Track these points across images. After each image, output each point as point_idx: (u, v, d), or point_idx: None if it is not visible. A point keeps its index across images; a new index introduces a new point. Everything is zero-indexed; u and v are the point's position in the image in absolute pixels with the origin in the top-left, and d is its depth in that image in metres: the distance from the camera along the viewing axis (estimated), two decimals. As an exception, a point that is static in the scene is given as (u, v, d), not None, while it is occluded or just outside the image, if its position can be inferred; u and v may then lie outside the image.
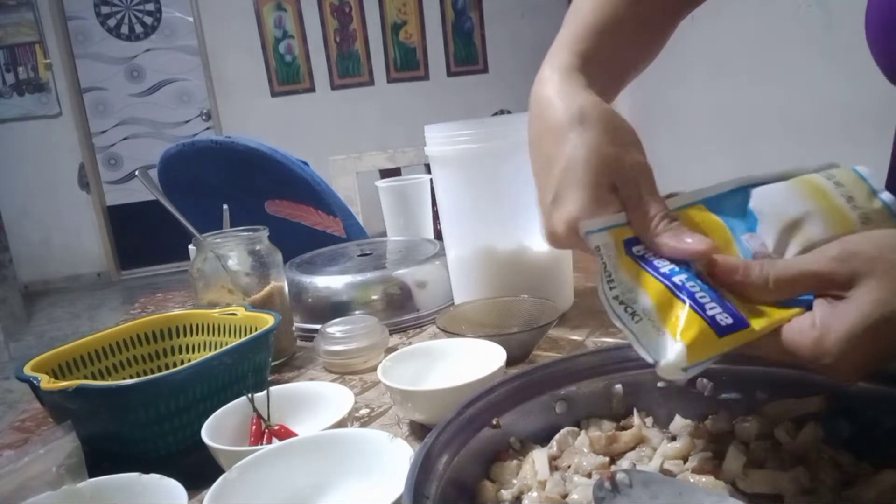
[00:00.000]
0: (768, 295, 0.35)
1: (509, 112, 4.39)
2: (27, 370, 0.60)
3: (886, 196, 0.39)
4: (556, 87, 0.44)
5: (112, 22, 5.07)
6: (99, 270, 5.34)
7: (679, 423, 0.45)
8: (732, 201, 0.40)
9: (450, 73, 5.46)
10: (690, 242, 0.36)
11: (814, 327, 0.33)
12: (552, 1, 4.94)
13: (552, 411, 0.47)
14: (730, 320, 0.34)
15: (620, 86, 0.55)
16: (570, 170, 0.39)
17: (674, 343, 0.34)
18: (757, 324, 0.34)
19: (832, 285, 0.33)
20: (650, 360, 0.36)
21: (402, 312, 0.89)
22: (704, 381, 0.46)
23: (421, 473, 0.36)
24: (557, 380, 0.47)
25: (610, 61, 0.51)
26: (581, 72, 0.45)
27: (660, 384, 0.47)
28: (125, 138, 5.24)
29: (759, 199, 0.40)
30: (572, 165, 0.39)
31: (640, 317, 0.36)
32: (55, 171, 5.06)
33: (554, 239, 0.42)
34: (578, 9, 0.52)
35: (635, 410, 0.47)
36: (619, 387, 0.48)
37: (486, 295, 0.80)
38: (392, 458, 0.46)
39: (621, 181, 0.39)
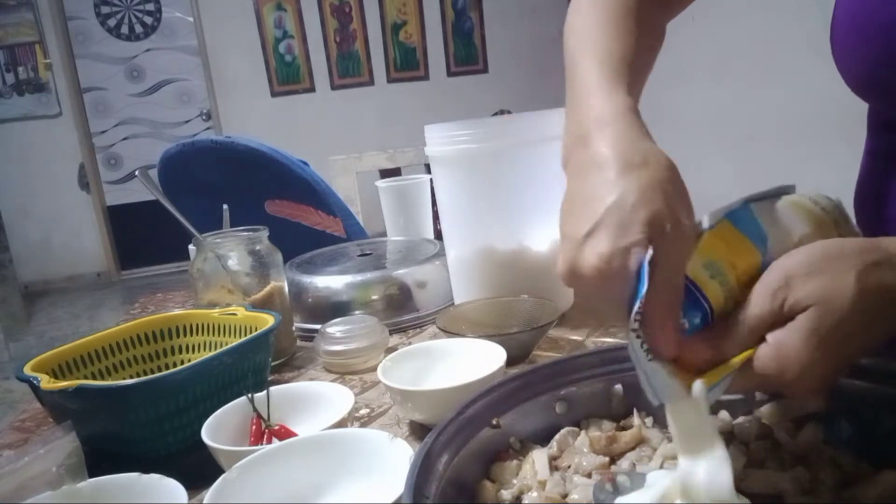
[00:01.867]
0: (744, 346, 0.37)
1: (509, 112, 4.39)
2: (27, 370, 0.60)
3: (855, 228, 0.42)
4: (621, 129, 0.42)
5: (112, 22, 5.07)
6: (99, 270, 5.33)
7: (679, 423, 0.45)
8: (745, 218, 0.40)
9: (450, 73, 5.46)
10: (661, 345, 0.36)
11: (770, 347, 0.36)
12: (552, 1, 4.94)
13: (552, 411, 0.47)
14: None
15: None
16: (620, 206, 0.37)
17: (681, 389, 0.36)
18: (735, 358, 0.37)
19: (781, 316, 0.36)
20: (655, 402, 0.36)
21: (402, 312, 0.89)
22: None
23: (421, 473, 0.36)
24: (557, 380, 0.47)
25: (637, 86, 0.52)
26: (637, 114, 0.45)
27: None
28: (125, 138, 5.24)
29: (764, 216, 0.41)
30: (624, 202, 0.37)
31: (653, 356, 0.36)
32: (55, 171, 5.06)
33: (575, 275, 0.38)
34: (598, 38, 0.51)
35: (635, 410, 0.47)
36: (619, 387, 0.48)
37: (486, 295, 0.80)
38: (392, 458, 0.46)
39: (658, 238, 0.36)
